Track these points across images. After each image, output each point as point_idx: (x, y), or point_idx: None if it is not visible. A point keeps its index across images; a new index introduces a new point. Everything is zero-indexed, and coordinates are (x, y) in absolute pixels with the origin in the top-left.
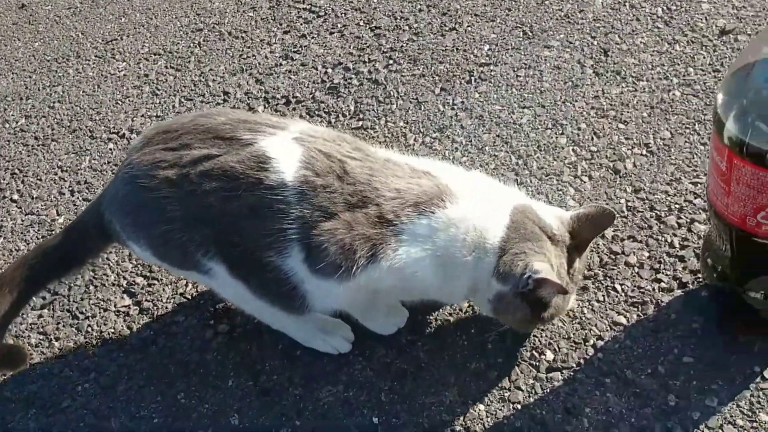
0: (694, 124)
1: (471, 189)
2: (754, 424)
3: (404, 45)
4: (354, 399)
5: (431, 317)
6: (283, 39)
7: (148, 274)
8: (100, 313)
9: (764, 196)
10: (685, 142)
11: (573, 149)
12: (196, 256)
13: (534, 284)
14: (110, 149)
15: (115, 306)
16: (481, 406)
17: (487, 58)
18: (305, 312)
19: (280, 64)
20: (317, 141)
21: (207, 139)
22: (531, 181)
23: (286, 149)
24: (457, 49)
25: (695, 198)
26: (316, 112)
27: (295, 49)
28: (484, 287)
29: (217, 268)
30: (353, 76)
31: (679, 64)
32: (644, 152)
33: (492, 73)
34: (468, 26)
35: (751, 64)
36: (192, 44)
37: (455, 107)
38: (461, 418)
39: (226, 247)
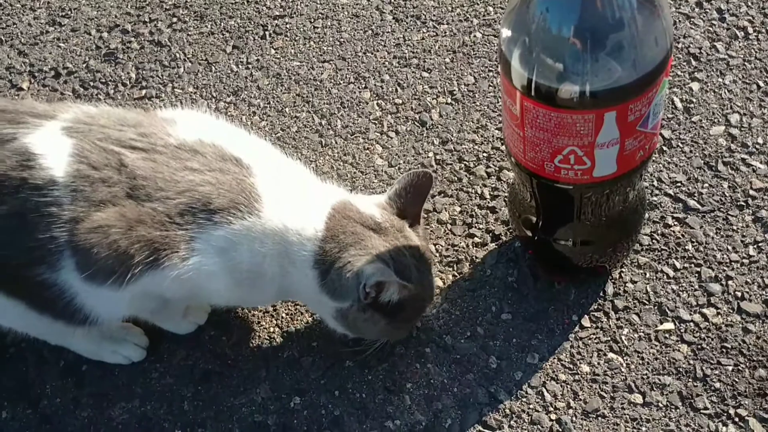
0: (497, 66)
1: (281, 190)
2: (576, 377)
3: (189, 0)
4: (152, 413)
5: (236, 306)
6: (48, 2)
7: None
8: None
9: (560, 138)
10: (489, 85)
11: (378, 103)
12: None
13: (374, 290)
14: None
15: None
16: (297, 399)
17: (281, 10)
18: (92, 324)
19: (47, 32)
20: (92, 129)
21: None
22: (336, 142)
23: (54, 143)
24: (248, 1)
25: (502, 144)
26: (92, 84)
27: (64, 13)
28: (308, 296)
29: None
30: (132, 39)
31: (478, 4)
32: (449, 100)
33: (288, 26)
34: None
35: None
36: None
37: (250, 66)
38: (275, 415)
39: None
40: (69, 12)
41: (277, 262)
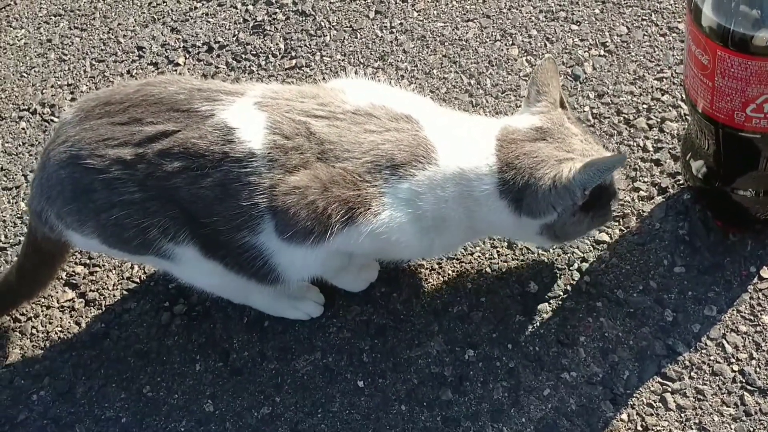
0: (651, 14)
1: (449, 137)
2: (758, 328)
3: None
4: (334, 365)
5: (404, 263)
6: None
7: (88, 261)
8: (42, 311)
9: (754, 86)
10: (644, 35)
11: (526, 59)
12: (159, 241)
13: (584, 179)
14: (23, 128)
15: (58, 301)
16: (471, 351)
17: None
18: (279, 284)
19: (195, 8)
20: (279, 103)
21: (160, 112)
22: (487, 101)
23: (249, 117)
24: None
25: (662, 95)
26: (243, 57)
27: None
28: (505, 227)
29: (185, 251)
30: (277, 10)
31: None
32: (602, 52)
33: None
34: None
35: None
36: None
37: (394, 31)
38: (451, 367)
39: (198, 229)
40: None
41: (460, 204)
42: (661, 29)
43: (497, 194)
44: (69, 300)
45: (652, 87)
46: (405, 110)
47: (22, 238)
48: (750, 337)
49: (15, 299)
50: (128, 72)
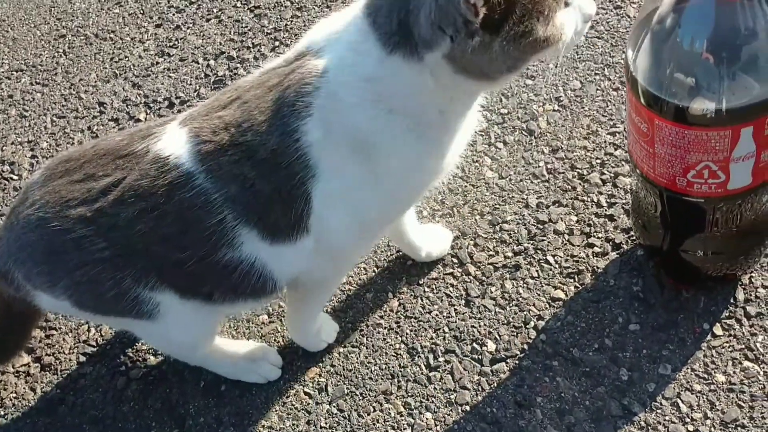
0: (603, 69)
1: (334, 42)
2: (712, 387)
3: (288, 23)
4: (291, 431)
5: (362, 323)
6: (156, 34)
7: (44, 324)
8: None
9: (693, 154)
10: (597, 89)
11: (483, 114)
12: (134, 292)
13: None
14: None
15: (13, 366)
16: (428, 415)
17: None
18: (278, 292)
19: (157, 63)
20: (199, 111)
21: (108, 163)
22: None
23: (174, 139)
24: None
25: (615, 149)
26: None
27: (171, 44)
28: (427, 95)
29: (161, 298)
30: (238, 65)
31: None
32: (556, 107)
33: None
34: None
35: (657, 9)
36: (56, 53)
37: None
38: (409, 430)
39: (172, 269)
40: (176, 42)
41: (373, 103)
42: (614, 84)
43: (385, 51)
44: (25, 365)
45: (605, 141)
46: (296, 48)
47: None
48: (704, 396)
49: None
50: (89, 128)
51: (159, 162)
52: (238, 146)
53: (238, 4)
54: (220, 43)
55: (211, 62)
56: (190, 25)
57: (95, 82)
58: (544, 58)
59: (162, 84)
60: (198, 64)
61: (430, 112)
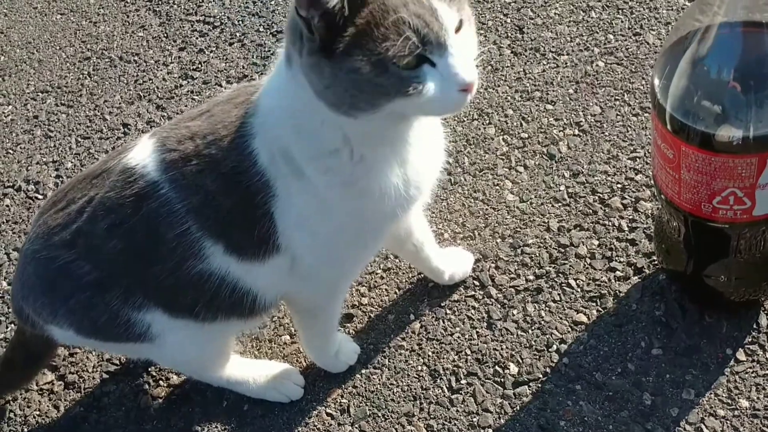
0: (623, 95)
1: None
2: (736, 412)
3: None
4: None
5: (384, 345)
6: (179, 57)
7: None
8: (21, 394)
9: (719, 181)
10: (617, 114)
11: (503, 138)
12: (126, 314)
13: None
14: (6, 206)
15: (37, 384)
16: None
17: None
18: (265, 311)
19: (181, 85)
20: (169, 123)
21: (86, 185)
22: (465, 179)
23: (141, 150)
24: None
25: (636, 174)
26: None
27: (195, 67)
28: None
29: (151, 318)
30: None
31: (597, 32)
32: (576, 132)
33: None
34: None
35: (684, 38)
36: (81, 75)
37: None
38: None
39: (152, 284)
40: (199, 65)
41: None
42: (634, 109)
43: (286, 62)
44: (48, 383)
45: (625, 166)
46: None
47: (1, 318)
48: (728, 422)
49: None
50: (113, 148)
51: (126, 173)
52: (202, 157)
53: (261, 29)
54: (243, 67)
55: (235, 84)
56: (213, 49)
57: (120, 103)
58: (402, 109)
59: (185, 106)
60: (221, 87)
61: (330, 135)
